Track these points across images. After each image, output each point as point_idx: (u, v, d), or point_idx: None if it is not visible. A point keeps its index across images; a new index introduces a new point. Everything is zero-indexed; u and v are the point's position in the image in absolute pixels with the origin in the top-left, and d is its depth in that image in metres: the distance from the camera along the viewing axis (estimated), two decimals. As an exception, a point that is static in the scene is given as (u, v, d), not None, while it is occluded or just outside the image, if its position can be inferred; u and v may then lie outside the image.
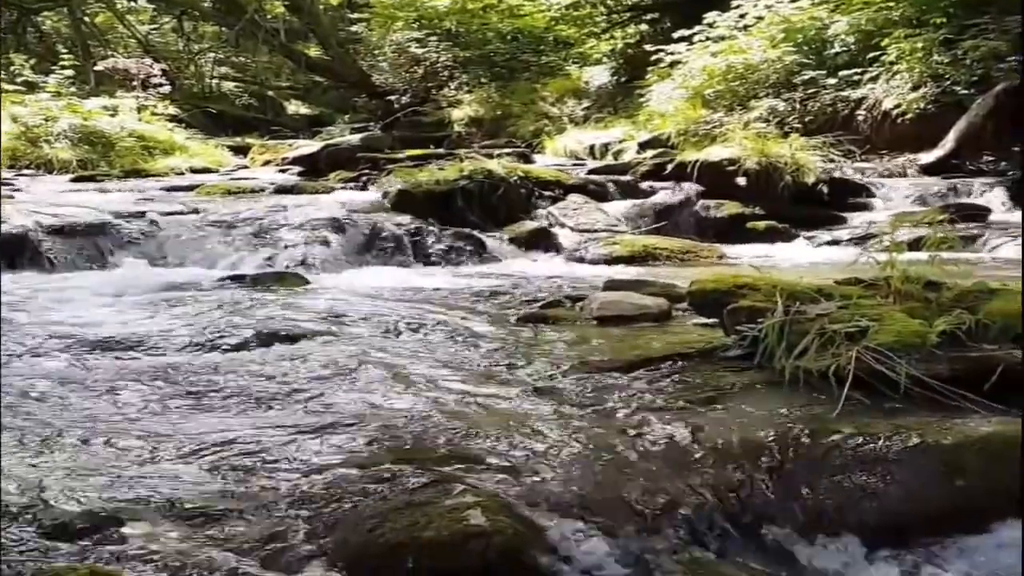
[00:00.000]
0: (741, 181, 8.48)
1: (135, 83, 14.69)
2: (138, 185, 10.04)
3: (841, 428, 2.60)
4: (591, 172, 9.97)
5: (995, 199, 8.50)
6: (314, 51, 22.07)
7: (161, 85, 15.07)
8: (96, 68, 15.85)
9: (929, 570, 2.29)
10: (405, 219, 7.45)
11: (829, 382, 2.90)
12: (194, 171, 11.82)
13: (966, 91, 10.11)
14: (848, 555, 2.33)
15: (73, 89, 13.72)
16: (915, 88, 10.44)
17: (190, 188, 9.55)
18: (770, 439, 2.61)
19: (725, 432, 2.70)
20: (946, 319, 3.01)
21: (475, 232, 7.44)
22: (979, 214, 7.95)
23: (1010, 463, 2.44)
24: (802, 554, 2.34)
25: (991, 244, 7.00)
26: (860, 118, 10.87)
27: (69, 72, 13.75)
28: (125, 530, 2.22)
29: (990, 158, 9.82)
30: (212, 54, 20.67)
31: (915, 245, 3.71)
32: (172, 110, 14.72)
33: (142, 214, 7.34)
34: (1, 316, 4.35)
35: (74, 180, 10.56)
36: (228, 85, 20.63)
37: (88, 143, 12.06)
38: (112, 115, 12.91)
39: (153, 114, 13.89)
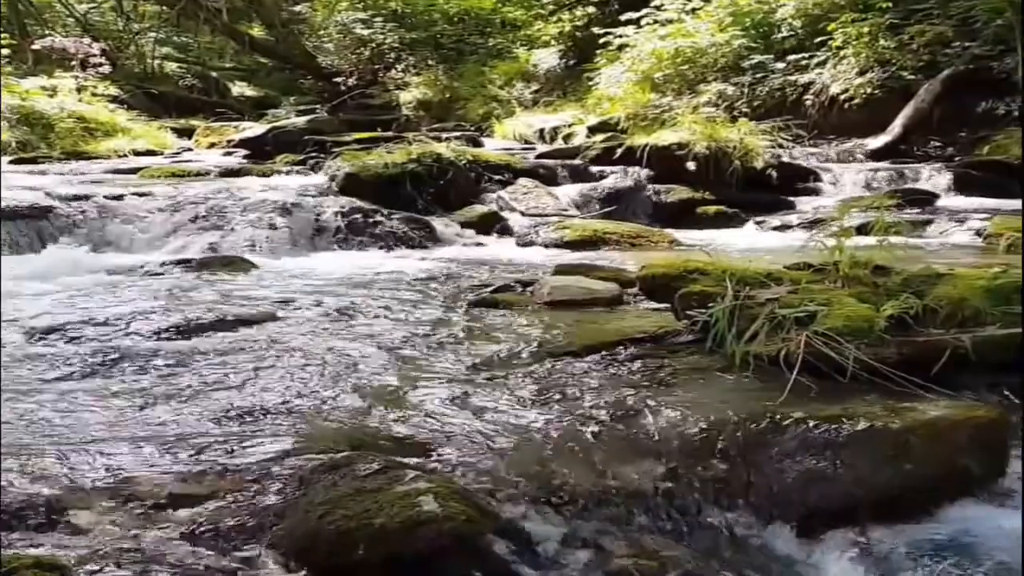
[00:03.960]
0: (691, 166, 8.53)
1: (74, 63, 14.38)
2: (79, 167, 9.86)
3: (791, 412, 2.61)
4: (541, 156, 9.96)
5: (942, 184, 8.62)
6: (258, 31, 21.77)
7: (101, 65, 14.77)
8: (33, 47, 15.48)
9: (878, 552, 2.30)
10: (353, 203, 7.38)
11: (779, 366, 2.92)
12: (137, 153, 11.64)
13: (912, 76, 10.24)
14: (797, 538, 2.34)
15: (10, 69, 13.41)
16: (862, 73, 10.55)
17: (133, 171, 9.40)
18: (720, 424, 2.62)
19: (676, 417, 2.71)
20: (894, 304, 3.04)
21: (424, 216, 7.40)
22: (926, 199, 8.06)
23: (957, 446, 2.48)
24: (751, 537, 2.35)
25: (939, 229, 7.09)
26: (808, 103, 10.97)
27: (6, 51, 13.43)
28: (71, 518, 2.18)
29: (937, 143, 9.95)
30: (153, 34, 20.26)
31: (863, 230, 3.74)
32: (113, 91, 14.46)
33: (85, 197, 7.19)
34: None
35: (13, 162, 10.34)
36: (170, 66, 20.26)
37: (27, 124, 11.83)
38: (51, 96, 12.67)
39: (93, 95, 13.64)
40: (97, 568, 1.96)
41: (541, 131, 12.96)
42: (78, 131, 12.21)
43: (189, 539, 2.12)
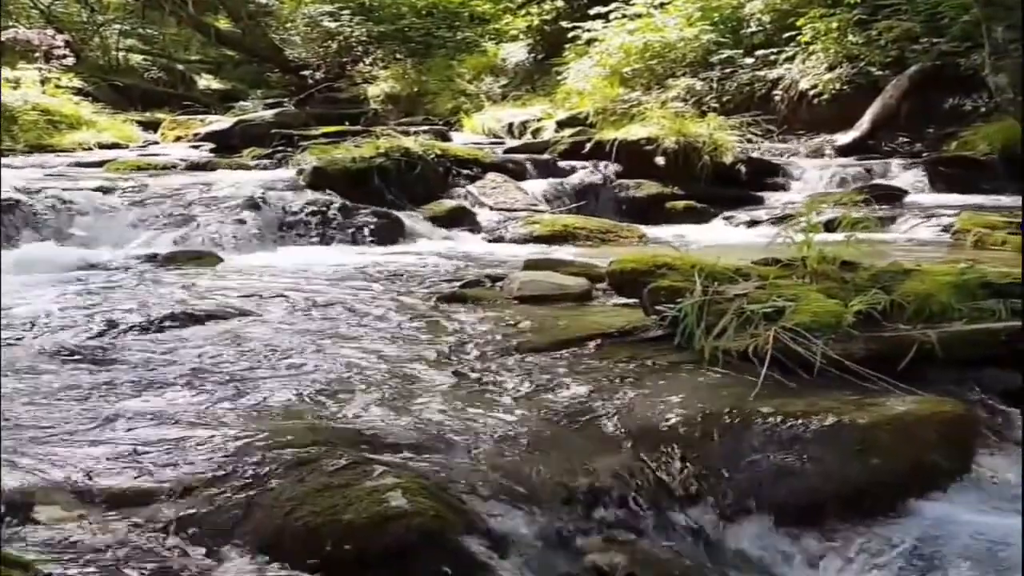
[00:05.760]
0: (660, 161, 8.55)
1: (38, 55, 14.19)
2: (44, 161, 9.76)
3: (759, 408, 2.62)
4: (509, 151, 9.96)
5: (910, 180, 8.68)
6: (224, 23, 21.57)
7: (65, 57, 14.56)
8: (-3, 39, 15.29)
9: (845, 547, 2.32)
10: (321, 197, 7.34)
11: (747, 362, 2.93)
12: (103, 147, 11.52)
13: (880, 72, 10.31)
14: (765, 534, 2.35)
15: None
16: (831, 68, 10.61)
17: (99, 164, 9.31)
18: (689, 419, 2.62)
19: (645, 412, 2.71)
20: (861, 299, 3.05)
21: (393, 211, 7.36)
22: (894, 195, 8.11)
23: (923, 441, 2.50)
24: (720, 533, 2.36)
25: (906, 225, 7.14)
26: (777, 98, 11.02)
27: (-30, 44, 13.26)
28: (36, 515, 2.16)
29: (905, 139, 10.02)
30: (118, 25, 20.02)
31: (831, 226, 3.76)
32: (77, 83, 14.30)
33: (50, 191, 7.10)
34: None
35: (-23, 155, 10.20)
36: (135, 58, 20.03)
37: (-10, 117, 11.67)
38: (14, 88, 12.50)
39: (57, 87, 13.48)
40: (63, 565, 1.94)
41: (510, 126, 12.95)
42: (42, 124, 12.05)
43: (155, 536, 2.10)
